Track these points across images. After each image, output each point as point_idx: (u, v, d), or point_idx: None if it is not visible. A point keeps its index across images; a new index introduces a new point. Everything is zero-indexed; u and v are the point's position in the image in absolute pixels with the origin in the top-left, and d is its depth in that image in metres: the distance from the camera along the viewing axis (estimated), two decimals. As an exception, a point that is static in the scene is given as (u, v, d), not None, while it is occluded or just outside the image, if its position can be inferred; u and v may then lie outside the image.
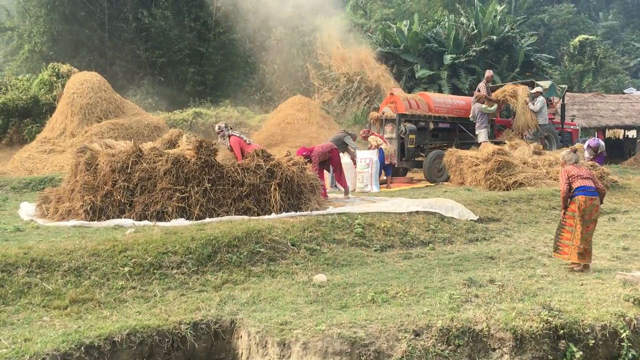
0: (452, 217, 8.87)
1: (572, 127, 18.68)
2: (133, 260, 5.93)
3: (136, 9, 30.06)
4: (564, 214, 6.66)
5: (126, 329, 4.56)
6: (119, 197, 7.89)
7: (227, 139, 9.71)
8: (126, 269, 5.79)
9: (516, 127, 15.18)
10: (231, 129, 9.99)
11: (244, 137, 9.80)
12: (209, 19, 31.20)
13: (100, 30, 29.85)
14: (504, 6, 32.38)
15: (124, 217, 7.76)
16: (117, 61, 29.58)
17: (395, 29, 27.05)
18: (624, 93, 30.89)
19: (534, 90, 15.70)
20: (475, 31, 26.07)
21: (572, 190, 6.55)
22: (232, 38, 31.16)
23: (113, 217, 7.79)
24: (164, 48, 30.12)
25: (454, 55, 25.07)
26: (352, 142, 11.92)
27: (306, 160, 9.89)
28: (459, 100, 16.55)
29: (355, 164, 12.56)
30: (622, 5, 53.52)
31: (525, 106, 14.82)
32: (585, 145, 14.86)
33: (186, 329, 4.73)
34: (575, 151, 7.26)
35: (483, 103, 14.60)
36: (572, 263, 6.57)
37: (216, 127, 10.15)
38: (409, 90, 23.64)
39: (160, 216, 7.76)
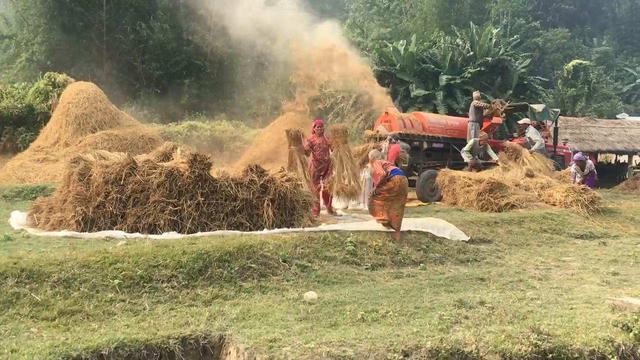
0: (444, 238, 8.88)
1: (564, 150, 18.81)
2: (123, 272, 5.91)
3: (134, 22, 30.19)
4: (379, 188, 8.51)
5: (114, 343, 4.53)
6: (111, 209, 7.88)
7: (391, 145, 12.47)
8: (116, 281, 5.77)
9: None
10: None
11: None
12: (206, 33, 31.35)
13: (98, 41, 29.95)
14: (499, 29, 32.73)
15: (116, 229, 7.75)
16: (113, 72, 29.62)
17: (391, 49, 27.25)
18: (616, 118, 31.18)
19: (521, 122, 15.84)
20: (471, 53, 26.29)
21: (388, 174, 8.47)
22: (229, 52, 31.31)
23: (104, 229, 7.78)
24: (161, 61, 30.21)
25: (449, 76, 25.25)
26: None
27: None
28: (453, 120, 16.67)
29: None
30: (616, 31, 54.29)
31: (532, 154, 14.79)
32: (571, 164, 14.36)
33: (174, 343, 4.71)
34: (380, 149, 10.45)
35: (482, 144, 14.55)
36: (391, 227, 8.50)
37: (392, 133, 13.19)
38: (404, 109, 23.73)
39: (152, 229, 7.74)
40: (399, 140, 13.19)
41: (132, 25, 30.06)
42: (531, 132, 15.29)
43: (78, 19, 29.38)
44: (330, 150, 10.80)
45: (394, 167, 8.86)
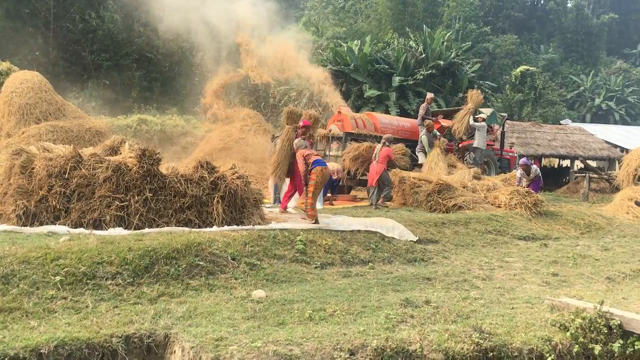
0: (393, 237, 9.00)
1: (510, 154, 19.36)
2: (65, 269, 5.74)
3: (84, 10, 29.34)
4: (307, 187, 8.88)
5: (54, 341, 4.41)
6: (54, 203, 7.63)
7: (385, 147, 12.69)
8: (58, 278, 5.60)
9: (453, 127, 16.15)
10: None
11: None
12: (158, 26, 30.76)
13: (44, 29, 28.95)
14: (451, 32, 33.41)
15: (59, 224, 7.51)
16: (60, 62, 28.71)
17: (346, 48, 27.45)
18: (560, 124, 32.29)
19: (478, 116, 16.29)
20: (424, 55, 26.75)
21: (309, 166, 8.81)
22: (181, 46, 30.83)
23: (47, 224, 7.52)
24: (111, 51, 29.47)
25: (402, 78, 25.64)
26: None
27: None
28: (405, 122, 16.94)
29: None
30: (562, 39, 56.16)
31: (466, 115, 15.77)
32: (517, 169, 14.64)
33: (118, 342, 4.61)
34: (304, 139, 10.11)
35: (431, 132, 14.97)
36: (312, 218, 8.80)
37: (386, 136, 13.15)
38: (357, 109, 23.96)
39: (98, 224, 7.55)
40: (391, 144, 13.35)
41: (81, 14, 29.21)
42: (479, 125, 15.80)
43: (24, 5, 28.33)
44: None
45: (316, 158, 9.13)
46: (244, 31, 20.30)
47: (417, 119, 16.57)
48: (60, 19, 28.97)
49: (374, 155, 12.88)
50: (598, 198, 18.23)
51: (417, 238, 9.29)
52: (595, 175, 20.66)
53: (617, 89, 48.42)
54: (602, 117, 46.47)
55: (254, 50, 20.47)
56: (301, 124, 11.36)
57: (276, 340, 4.56)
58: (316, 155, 9.37)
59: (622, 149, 27.52)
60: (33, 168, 7.91)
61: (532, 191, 12.87)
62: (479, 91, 16.83)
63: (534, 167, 14.08)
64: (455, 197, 12.29)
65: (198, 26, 20.87)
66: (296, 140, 9.80)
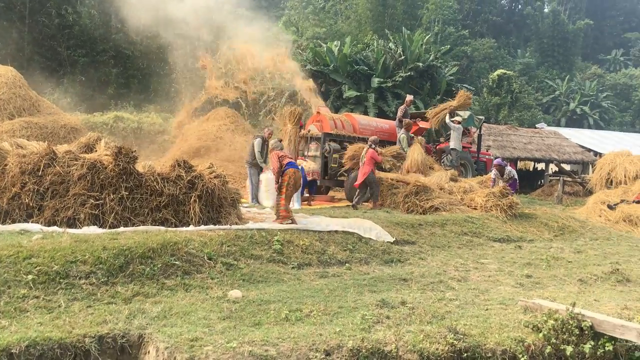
0: (370, 238, 9.03)
1: (487, 156, 19.55)
2: (38, 268, 5.65)
3: (60, 5, 28.88)
4: (280, 187, 9.08)
5: (25, 341, 4.33)
6: (27, 201, 7.53)
7: (370, 149, 12.62)
8: (30, 276, 5.50)
9: (430, 113, 16.70)
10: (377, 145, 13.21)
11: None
12: (136, 23, 30.43)
13: (19, 23, 28.40)
14: (430, 35, 33.66)
15: (32, 222, 7.40)
16: (35, 57, 28.19)
17: (325, 49, 27.48)
18: (535, 127, 32.74)
19: (455, 118, 16.44)
20: (403, 57, 26.89)
21: (283, 167, 9.07)
22: (159, 43, 30.53)
23: (19, 221, 7.42)
24: (87, 47, 29.03)
25: (381, 79, 25.73)
26: (258, 147, 12.26)
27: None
28: (383, 123, 17.01)
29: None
30: (539, 44, 56.96)
31: (445, 110, 16.19)
32: (492, 170, 14.60)
33: (91, 342, 4.55)
34: (280, 141, 10.57)
35: (409, 130, 15.10)
36: (284, 219, 8.88)
37: (372, 138, 13.18)
38: (336, 109, 23.99)
39: (71, 223, 7.46)
40: (378, 146, 13.45)
41: (58, 8, 28.72)
42: (455, 126, 15.97)
43: (-2, -1, 27.82)
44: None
45: (290, 160, 9.42)
46: (206, 54, 20.37)
47: (395, 120, 16.68)
48: (35, 13, 28.47)
49: (361, 157, 12.94)
50: (572, 201, 18.52)
51: (393, 239, 9.33)
52: (569, 179, 21.00)
53: (591, 94, 49.30)
54: (576, 121, 47.26)
55: (219, 63, 20.46)
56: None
57: (252, 340, 4.54)
58: (290, 158, 9.61)
59: (596, 153, 27.99)
60: (6, 165, 7.79)
61: (509, 189, 12.96)
62: (469, 95, 16.97)
63: (509, 168, 14.21)
64: (432, 199, 12.37)
65: (171, 23, 20.71)
66: (272, 141, 10.02)
